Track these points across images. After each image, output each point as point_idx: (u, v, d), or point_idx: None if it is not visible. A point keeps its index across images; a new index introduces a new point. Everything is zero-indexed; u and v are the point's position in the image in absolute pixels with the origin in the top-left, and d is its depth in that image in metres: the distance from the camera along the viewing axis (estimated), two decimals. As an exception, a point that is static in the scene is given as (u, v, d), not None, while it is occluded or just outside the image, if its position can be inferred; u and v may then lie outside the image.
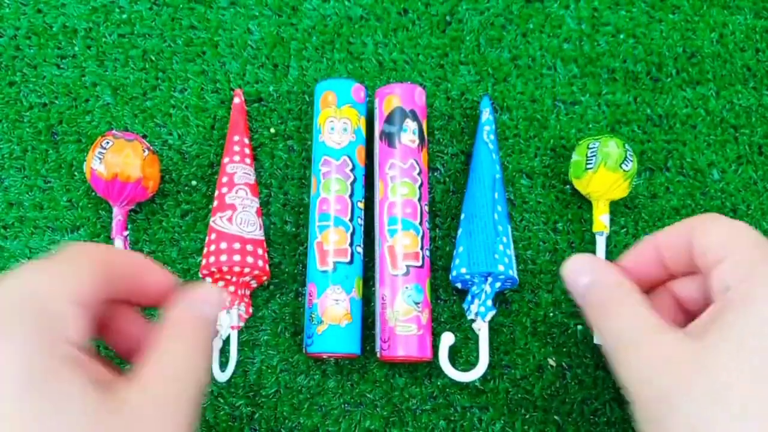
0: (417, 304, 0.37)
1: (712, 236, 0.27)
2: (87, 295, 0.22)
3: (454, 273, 0.41)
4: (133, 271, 0.25)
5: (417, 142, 0.41)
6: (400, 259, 0.38)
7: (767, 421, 0.22)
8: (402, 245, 0.37)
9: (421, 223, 0.39)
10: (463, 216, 0.42)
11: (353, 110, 0.40)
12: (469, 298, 0.42)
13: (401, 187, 0.39)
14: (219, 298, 0.27)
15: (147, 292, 0.26)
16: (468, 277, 0.40)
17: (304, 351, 0.40)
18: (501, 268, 0.39)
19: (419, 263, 0.38)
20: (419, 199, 0.39)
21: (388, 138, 0.40)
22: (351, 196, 0.38)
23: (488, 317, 0.40)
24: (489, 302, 0.40)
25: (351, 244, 0.37)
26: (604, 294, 0.29)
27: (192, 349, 0.24)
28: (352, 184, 0.38)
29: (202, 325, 0.25)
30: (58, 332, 0.20)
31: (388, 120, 0.40)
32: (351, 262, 0.37)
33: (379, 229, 0.39)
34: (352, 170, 0.38)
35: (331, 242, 0.37)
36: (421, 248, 0.38)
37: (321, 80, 0.42)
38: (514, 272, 0.40)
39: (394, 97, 0.41)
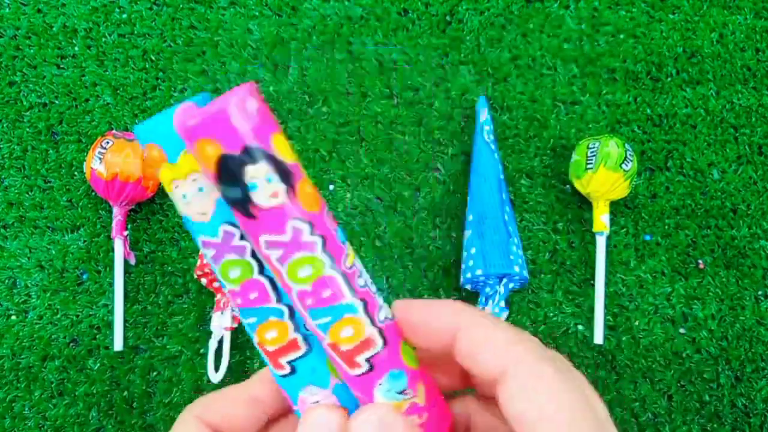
0: (402, 392, 0.26)
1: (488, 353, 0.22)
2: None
3: (468, 275, 0.41)
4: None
5: None
6: (354, 356, 0.25)
7: None
8: (345, 337, 0.25)
9: (353, 290, 0.25)
10: (471, 217, 0.42)
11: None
12: (482, 299, 0.41)
13: (303, 266, 0.24)
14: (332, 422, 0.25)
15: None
16: (483, 278, 0.40)
17: None
18: (516, 269, 0.40)
19: (379, 346, 0.24)
20: (332, 266, 0.24)
21: None
22: (261, 271, 0.26)
23: (502, 318, 0.40)
24: (502, 303, 0.40)
25: (297, 329, 0.26)
26: None
27: None
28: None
29: None
30: None
31: None
32: (309, 349, 0.26)
33: (304, 322, 0.26)
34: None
35: (272, 341, 0.26)
36: (372, 322, 0.24)
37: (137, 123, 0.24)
38: (526, 272, 0.41)
39: None
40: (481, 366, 0.22)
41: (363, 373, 0.25)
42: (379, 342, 0.25)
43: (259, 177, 0.21)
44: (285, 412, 0.26)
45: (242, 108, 0.21)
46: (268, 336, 0.26)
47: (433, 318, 0.24)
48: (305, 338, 0.26)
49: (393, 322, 0.25)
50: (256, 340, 0.26)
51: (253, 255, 0.25)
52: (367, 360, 0.25)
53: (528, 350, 0.21)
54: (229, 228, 0.25)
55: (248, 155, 0.21)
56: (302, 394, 0.26)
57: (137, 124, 0.23)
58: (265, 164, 0.21)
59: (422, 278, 0.44)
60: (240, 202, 0.22)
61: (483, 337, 0.22)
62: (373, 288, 0.25)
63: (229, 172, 0.21)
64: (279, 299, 0.26)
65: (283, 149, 0.21)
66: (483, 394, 0.25)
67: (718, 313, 0.44)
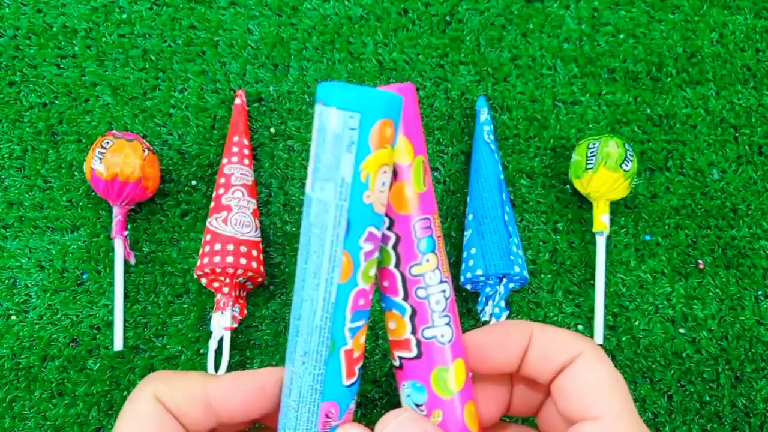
0: (418, 406, 0.26)
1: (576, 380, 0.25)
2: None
3: (468, 275, 0.41)
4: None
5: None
6: (393, 348, 0.26)
7: None
8: (390, 329, 0.26)
9: (407, 297, 0.25)
10: (471, 216, 0.42)
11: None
12: (482, 299, 0.42)
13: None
14: None
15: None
16: (483, 278, 0.40)
17: None
18: (516, 269, 0.40)
19: (412, 353, 0.26)
20: (396, 265, 0.25)
21: None
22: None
23: (502, 318, 0.41)
24: (502, 303, 0.40)
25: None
26: None
27: None
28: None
29: None
30: None
31: None
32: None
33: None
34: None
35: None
36: (413, 331, 0.25)
37: (355, 89, 0.21)
38: (526, 272, 0.41)
39: None
40: (552, 354, 0.25)
41: (396, 367, 0.26)
42: (414, 351, 0.26)
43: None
44: (240, 425, 0.26)
45: None
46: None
47: (507, 332, 0.26)
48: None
49: (442, 347, 0.25)
50: (348, 347, 0.24)
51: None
52: (400, 358, 0.26)
53: (591, 346, 0.25)
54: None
55: None
56: (324, 404, 0.24)
57: (327, 83, 0.21)
58: None
59: (422, 278, 0.44)
60: None
61: (554, 332, 0.26)
62: (440, 308, 0.25)
63: None
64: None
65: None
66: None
67: (718, 313, 0.44)
